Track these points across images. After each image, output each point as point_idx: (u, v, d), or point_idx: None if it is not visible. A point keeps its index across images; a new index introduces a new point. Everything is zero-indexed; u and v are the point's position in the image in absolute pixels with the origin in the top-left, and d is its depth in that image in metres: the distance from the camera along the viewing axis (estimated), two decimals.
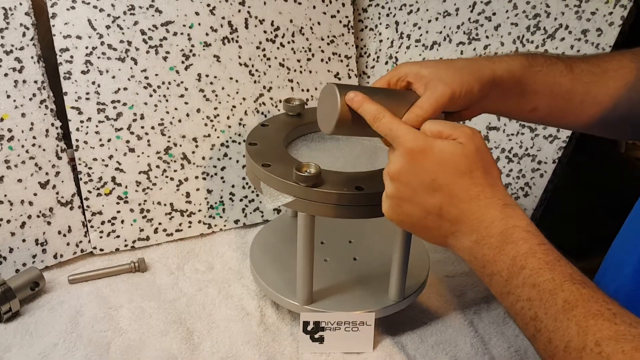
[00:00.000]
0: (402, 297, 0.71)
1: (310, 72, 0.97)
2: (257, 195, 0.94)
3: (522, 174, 0.82)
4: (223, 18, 0.89)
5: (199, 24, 0.88)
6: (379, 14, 1.02)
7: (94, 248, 0.84)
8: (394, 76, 0.59)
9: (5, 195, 0.77)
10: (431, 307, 0.78)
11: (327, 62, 0.99)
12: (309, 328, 0.69)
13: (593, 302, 0.41)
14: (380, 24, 1.02)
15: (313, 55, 0.97)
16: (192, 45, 0.88)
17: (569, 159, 0.82)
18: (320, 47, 0.98)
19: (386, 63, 1.01)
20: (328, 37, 0.99)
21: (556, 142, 0.79)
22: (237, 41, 0.91)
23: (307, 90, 0.97)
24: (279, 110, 0.94)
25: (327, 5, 0.97)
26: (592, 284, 0.43)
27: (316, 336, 0.69)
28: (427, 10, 0.94)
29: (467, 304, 0.79)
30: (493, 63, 0.58)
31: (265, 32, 0.93)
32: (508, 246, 0.46)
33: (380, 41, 1.02)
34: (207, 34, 0.88)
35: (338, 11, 0.99)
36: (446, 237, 0.52)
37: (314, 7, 0.96)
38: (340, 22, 1.00)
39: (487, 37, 0.86)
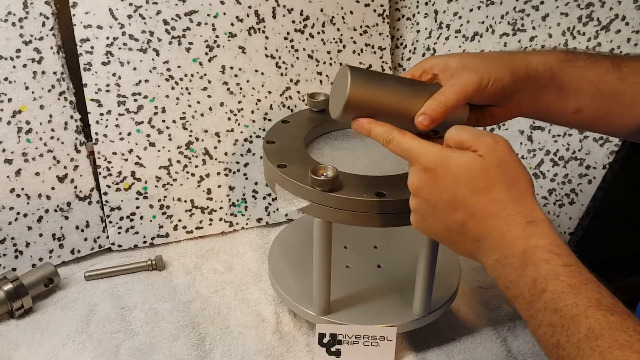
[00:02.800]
0: (427, 311, 0.66)
1: (341, 64, 0.92)
2: (274, 192, 0.90)
3: (569, 179, 0.75)
4: (249, 7, 0.85)
5: (224, 14, 0.84)
6: (417, 2, 0.95)
7: (112, 244, 0.82)
8: (419, 69, 0.55)
9: (22, 189, 0.76)
10: (461, 321, 0.72)
11: (359, 54, 0.93)
12: (325, 340, 0.64)
13: (621, 332, 0.37)
14: (418, 13, 0.96)
15: (344, 46, 0.92)
16: (217, 36, 0.84)
17: (622, 163, 0.74)
18: (352, 37, 0.93)
19: (423, 55, 0.94)
20: (361, 27, 0.93)
21: (607, 146, 0.72)
22: (263, 31, 0.86)
23: None
24: (306, 104, 0.90)
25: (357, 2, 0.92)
26: (625, 310, 0.39)
27: (333, 349, 0.65)
28: None
29: (500, 320, 0.73)
30: (527, 55, 0.54)
31: (293, 21, 0.88)
32: (529, 267, 0.42)
33: (418, 31, 0.95)
34: (232, 24, 0.85)
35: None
36: (472, 252, 0.48)
37: None
38: (375, 11, 0.94)
39: (533, 28, 0.78)
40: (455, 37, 0.89)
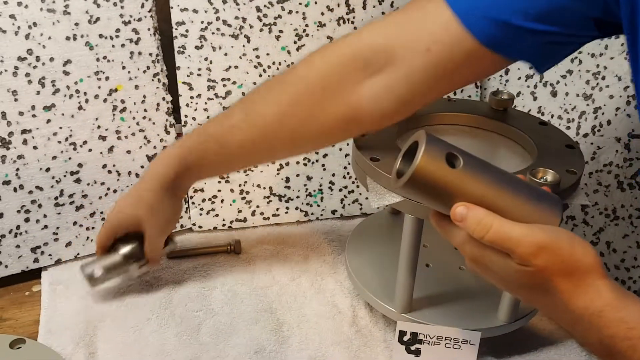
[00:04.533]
0: (513, 318, 0.64)
1: None
2: (358, 186, 0.89)
3: None
4: None
5: (315, 3, 0.84)
6: None
7: (193, 224, 0.84)
8: None
9: (114, 165, 0.78)
10: (544, 331, 0.70)
11: None
12: (406, 339, 0.64)
13: None
14: None
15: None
16: (306, 25, 0.84)
17: None
18: None
19: None
20: None
21: None
22: (352, 22, 0.86)
23: None
24: None
25: None
26: None
27: (412, 348, 0.64)
28: None
29: None
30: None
31: (383, 12, 0.87)
32: (617, 357, 0.42)
33: None
34: (322, 14, 0.84)
35: None
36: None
37: None
38: None
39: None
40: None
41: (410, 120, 0.69)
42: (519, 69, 0.86)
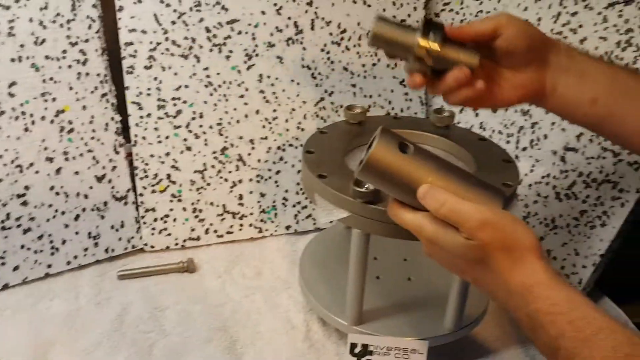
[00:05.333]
0: (459, 326, 0.66)
1: (375, 77, 0.93)
2: (311, 202, 0.91)
3: (601, 202, 0.75)
4: (289, 18, 0.87)
5: (264, 24, 0.85)
6: (452, 19, 0.96)
7: (145, 244, 0.83)
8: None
9: (61, 187, 0.77)
10: (489, 338, 0.73)
11: (393, 68, 0.94)
12: (357, 350, 0.65)
13: None
14: None
15: (379, 60, 0.93)
16: (256, 45, 0.85)
17: None
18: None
19: None
20: None
21: None
22: (301, 42, 0.88)
23: (370, 96, 0.93)
24: (339, 115, 0.91)
25: (397, 9, 0.93)
26: None
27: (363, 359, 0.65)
28: None
29: (529, 339, 0.73)
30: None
31: (331, 34, 0.89)
32: (538, 330, 0.45)
33: None
34: (271, 34, 0.86)
35: (409, 15, 0.94)
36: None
37: (384, 9, 0.92)
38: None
39: None
40: None
41: (357, 138, 0.72)
42: None
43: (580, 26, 0.79)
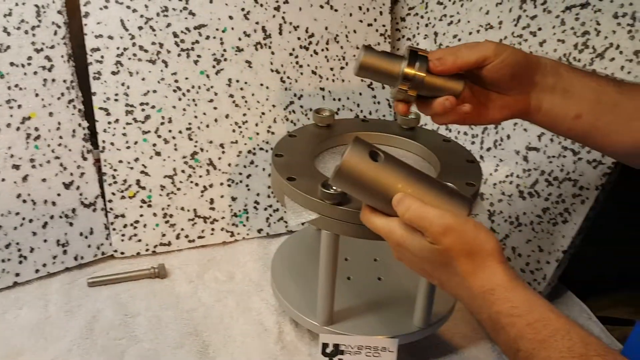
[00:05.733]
0: (427, 323, 0.68)
1: (343, 81, 0.94)
2: (282, 205, 0.91)
3: (562, 199, 0.78)
4: (257, 23, 0.87)
5: (232, 29, 0.86)
6: (418, 23, 0.98)
7: (115, 251, 0.83)
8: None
9: (28, 194, 0.76)
10: (458, 335, 0.74)
11: None
12: (328, 350, 0.66)
13: None
14: (419, 34, 0.99)
15: (347, 63, 0.94)
16: (224, 50, 0.86)
17: (615, 184, 0.77)
18: (355, 55, 0.95)
19: None
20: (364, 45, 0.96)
21: (600, 168, 0.75)
22: (269, 47, 0.89)
23: (339, 100, 0.94)
24: (308, 118, 0.92)
25: (364, 14, 0.94)
26: (599, 349, 0.42)
27: (335, 359, 0.66)
28: (469, 22, 0.90)
29: (492, 340, 0.75)
30: (538, 55, 0.58)
31: (299, 38, 0.90)
32: (499, 332, 0.47)
33: None
34: (239, 39, 0.87)
35: (375, 20, 0.96)
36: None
37: (351, 14, 0.94)
38: (377, 30, 0.97)
39: (530, 53, 0.81)
40: None
41: (326, 141, 0.73)
42: None
43: (540, 29, 0.81)
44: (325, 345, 0.66)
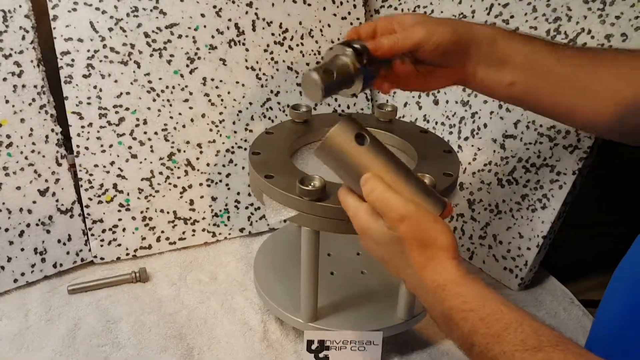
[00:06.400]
0: (411, 315, 0.68)
1: None
2: (262, 203, 0.91)
3: (540, 185, 0.78)
4: (229, 20, 0.86)
5: (205, 26, 0.85)
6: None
7: (95, 257, 0.82)
8: (382, 22, 0.59)
9: (3, 203, 0.75)
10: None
11: None
12: (314, 347, 0.66)
13: None
14: None
15: (322, 58, 0.94)
16: (197, 48, 0.85)
17: (591, 168, 0.78)
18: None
19: None
20: (338, 39, 0.95)
21: (576, 153, 0.75)
22: (243, 44, 0.88)
23: None
24: (286, 115, 0.91)
25: (337, 7, 0.94)
26: (552, 340, 0.42)
27: (321, 355, 0.66)
28: (442, 12, 0.90)
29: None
30: (471, 24, 0.59)
31: (273, 34, 0.90)
32: (453, 327, 0.46)
33: None
34: (212, 37, 0.86)
35: (349, 13, 0.95)
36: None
37: (324, 8, 0.93)
38: (352, 24, 0.96)
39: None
40: None
41: (303, 136, 0.72)
42: None
43: (512, 17, 0.81)
44: (310, 342, 0.66)
